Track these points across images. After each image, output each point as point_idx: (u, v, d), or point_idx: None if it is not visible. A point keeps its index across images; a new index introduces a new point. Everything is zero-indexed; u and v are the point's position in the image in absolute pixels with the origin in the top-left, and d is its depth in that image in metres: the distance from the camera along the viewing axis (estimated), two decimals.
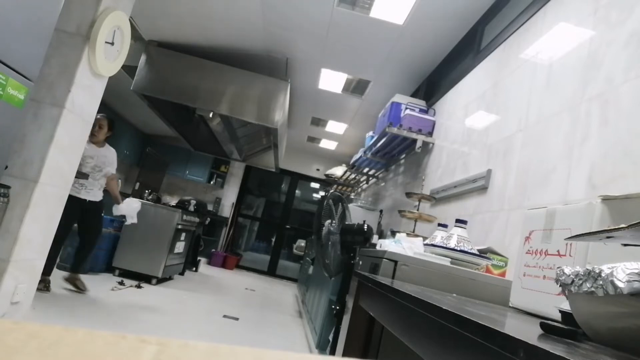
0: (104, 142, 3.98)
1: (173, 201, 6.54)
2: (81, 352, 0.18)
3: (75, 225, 3.83)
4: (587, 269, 0.59)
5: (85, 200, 3.71)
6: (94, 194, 3.81)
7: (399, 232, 2.69)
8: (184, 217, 5.40)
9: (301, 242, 10.94)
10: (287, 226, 10.03)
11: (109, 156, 4.01)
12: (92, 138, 3.72)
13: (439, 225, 1.97)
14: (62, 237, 3.50)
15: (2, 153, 1.89)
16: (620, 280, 0.53)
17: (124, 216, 4.22)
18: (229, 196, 9.46)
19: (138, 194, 6.09)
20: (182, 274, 6.04)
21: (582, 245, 0.94)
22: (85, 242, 3.88)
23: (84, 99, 2.53)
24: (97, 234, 4.00)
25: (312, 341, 3.49)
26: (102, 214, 4.05)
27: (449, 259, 1.72)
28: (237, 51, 4.87)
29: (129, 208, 4.19)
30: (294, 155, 9.36)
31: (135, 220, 4.24)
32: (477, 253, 1.75)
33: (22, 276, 2.36)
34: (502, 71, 2.63)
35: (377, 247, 2.00)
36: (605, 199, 0.94)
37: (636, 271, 0.53)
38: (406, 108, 3.90)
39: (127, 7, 2.77)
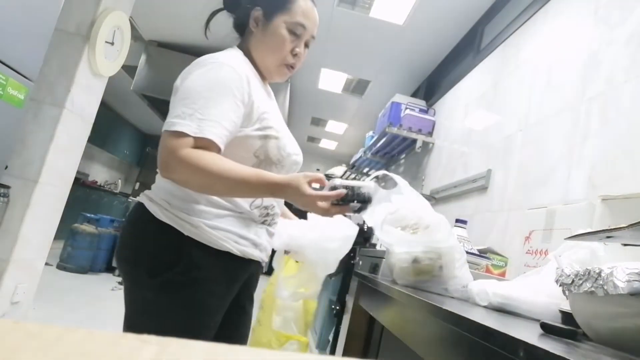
0: None
1: None
2: (81, 352, 0.18)
3: None
4: (587, 269, 0.59)
5: (260, 264, 1.20)
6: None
7: None
8: None
9: None
10: None
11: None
12: None
13: None
14: None
15: (2, 153, 1.89)
16: (620, 280, 0.53)
17: None
18: None
19: (138, 194, 6.09)
20: None
21: None
22: None
23: (84, 99, 2.53)
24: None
25: (312, 341, 3.49)
26: None
27: None
28: None
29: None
30: None
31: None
32: (477, 253, 1.75)
33: (22, 276, 2.36)
34: (502, 71, 2.63)
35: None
36: (605, 199, 0.94)
37: (636, 271, 0.53)
38: (406, 108, 3.90)
39: (127, 7, 2.77)
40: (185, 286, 0.98)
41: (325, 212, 0.99)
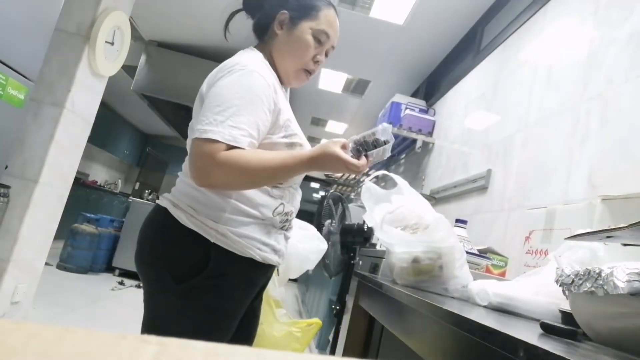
0: None
1: None
2: (81, 352, 0.18)
3: None
4: (587, 269, 0.59)
5: (275, 268, 1.25)
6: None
7: None
8: None
9: None
10: None
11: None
12: None
13: None
14: None
15: (2, 153, 1.89)
16: (620, 280, 0.53)
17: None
18: None
19: (138, 194, 6.08)
20: None
21: None
22: None
23: (84, 99, 2.53)
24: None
25: (312, 341, 3.49)
26: None
27: None
28: (237, 51, 4.87)
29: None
30: None
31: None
32: (477, 253, 1.75)
33: (22, 276, 2.36)
34: (502, 71, 2.63)
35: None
36: (605, 199, 0.94)
37: (636, 271, 0.53)
38: (406, 108, 3.90)
39: (127, 7, 2.77)
40: (209, 292, 1.00)
41: (361, 169, 1.03)
